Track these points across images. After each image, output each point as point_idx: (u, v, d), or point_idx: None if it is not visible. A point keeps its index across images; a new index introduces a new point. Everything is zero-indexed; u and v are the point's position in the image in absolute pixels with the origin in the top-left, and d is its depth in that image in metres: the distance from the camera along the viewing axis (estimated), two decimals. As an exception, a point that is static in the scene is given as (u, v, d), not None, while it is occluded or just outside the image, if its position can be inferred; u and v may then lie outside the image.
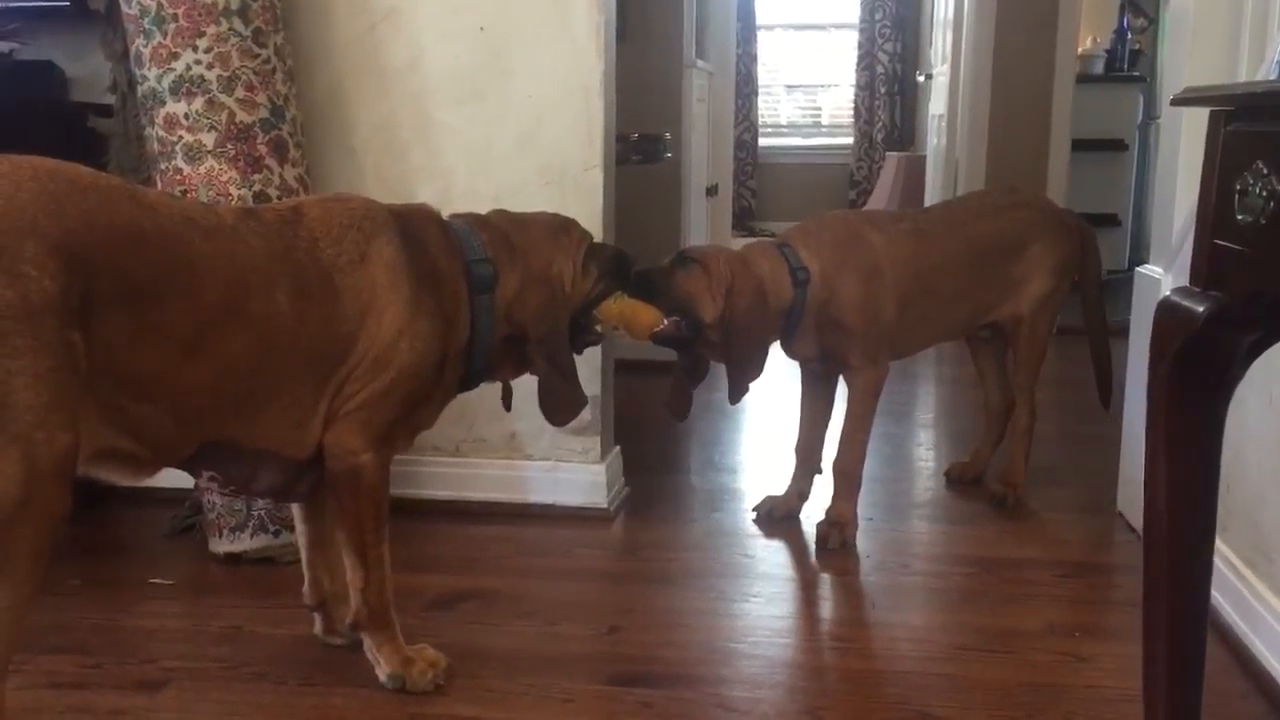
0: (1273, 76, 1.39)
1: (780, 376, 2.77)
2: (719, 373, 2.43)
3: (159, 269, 1.43)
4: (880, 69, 9.07)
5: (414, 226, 1.78)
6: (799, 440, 2.67)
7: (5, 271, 1.24)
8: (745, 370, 2.34)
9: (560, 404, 1.92)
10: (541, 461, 2.68)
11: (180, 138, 2.25)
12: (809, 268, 2.39)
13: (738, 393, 2.36)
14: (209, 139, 2.24)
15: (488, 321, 1.84)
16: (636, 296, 2.14)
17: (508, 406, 2.03)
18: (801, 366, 2.62)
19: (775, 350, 2.44)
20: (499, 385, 2.02)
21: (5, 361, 1.23)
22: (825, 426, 2.67)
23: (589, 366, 2.51)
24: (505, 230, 1.90)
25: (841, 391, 2.58)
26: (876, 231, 2.48)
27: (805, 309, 2.39)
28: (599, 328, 2.06)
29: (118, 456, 1.49)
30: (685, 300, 2.28)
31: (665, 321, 2.22)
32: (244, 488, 1.73)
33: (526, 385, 1.97)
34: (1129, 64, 6.94)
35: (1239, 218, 1.13)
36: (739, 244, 2.61)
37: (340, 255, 1.67)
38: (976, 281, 2.61)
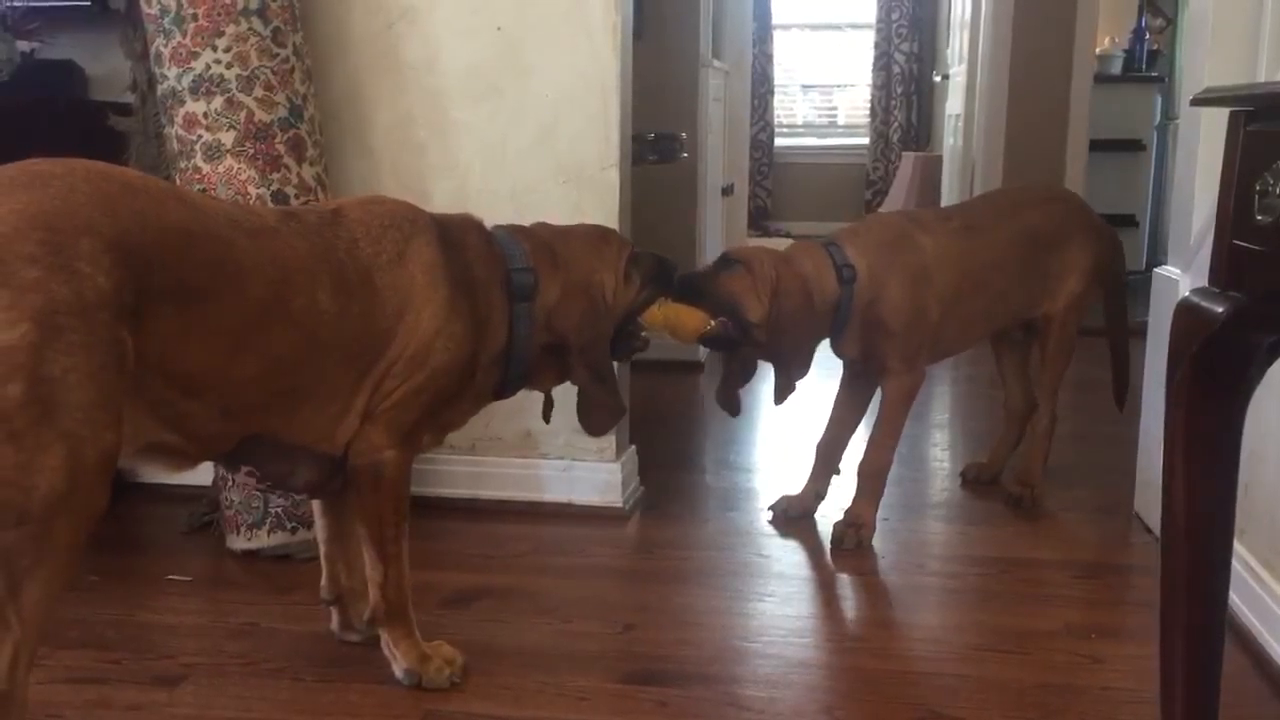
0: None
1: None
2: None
3: (207, 268, 1.45)
4: (897, 69, 9.04)
5: (454, 232, 1.81)
6: (823, 438, 2.66)
7: (62, 269, 1.25)
8: (791, 369, 2.34)
9: (599, 413, 1.94)
10: (557, 460, 2.69)
11: (199, 136, 2.26)
12: (855, 266, 2.38)
13: (784, 392, 2.36)
14: (228, 138, 2.25)
15: (526, 329, 1.85)
16: (682, 300, 2.15)
17: (547, 418, 2.04)
18: (845, 365, 2.61)
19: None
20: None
21: (61, 358, 1.25)
22: (853, 430, 2.66)
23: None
24: (547, 241, 1.92)
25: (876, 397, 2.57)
26: (925, 233, 2.47)
27: (852, 307, 2.39)
28: (645, 334, 2.07)
29: (163, 450, 1.52)
30: (731, 301, 2.28)
31: (712, 323, 2.23)
32: (281, 482, 1.76)
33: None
34: (1147, 64, 6.91)
35: (1259, 218, 1.13)
36: (753, 244, 2.61)
37: (380, 254, 1.69)
38: (1022, 274, 2.60)
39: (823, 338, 2.43)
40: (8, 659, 1.29)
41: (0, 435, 1.22)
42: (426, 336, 1.70)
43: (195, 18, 2.23)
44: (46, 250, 1.25)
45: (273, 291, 1.53)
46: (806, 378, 2.38)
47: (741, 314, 2.28)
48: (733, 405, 2.48)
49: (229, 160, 2.25)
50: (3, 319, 1.21)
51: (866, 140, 9.29)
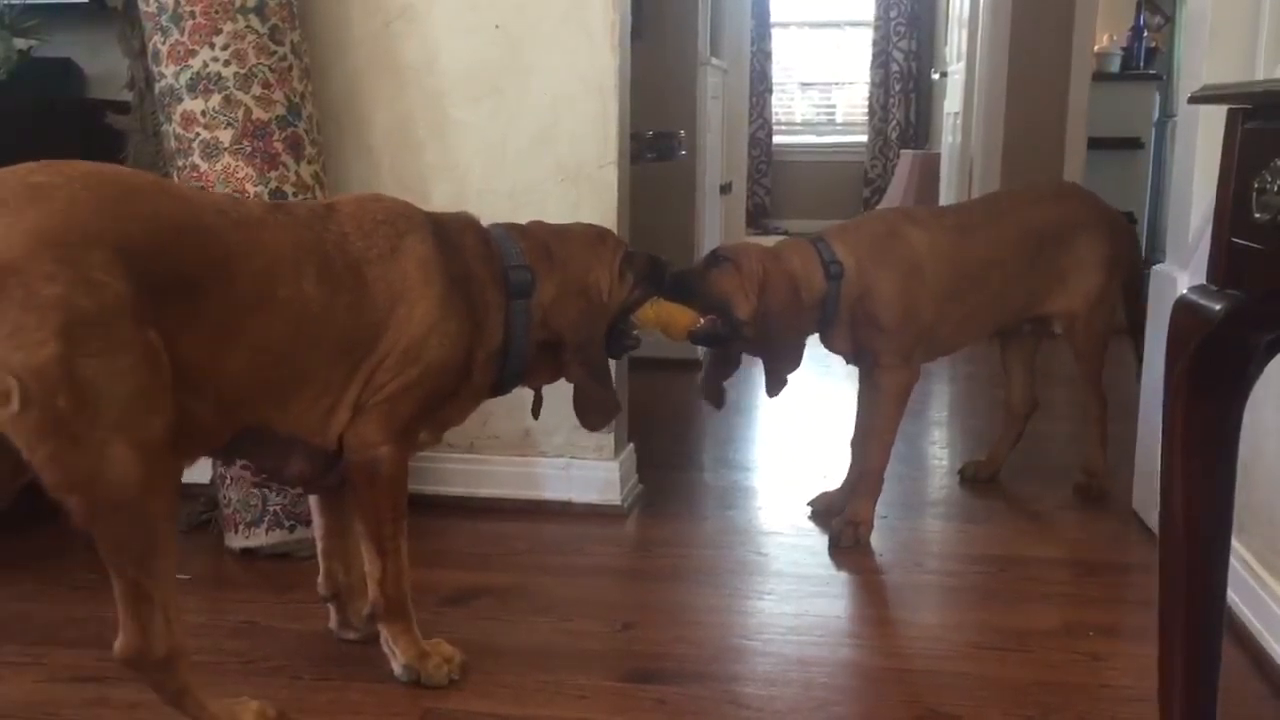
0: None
1: (795, 375, 2.76)
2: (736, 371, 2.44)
3: (199, 260, 1.48)
4: (895, 67, 9.04)
5: (451, 231, 1.82)
6: (854, 435, 2.67)
7: (81, 282, 1.30)
8: (782, 363, 2.35)
9: (595, 409, 1.95)
10: (555, 458, 2.69)
11: (197, 135, 2.26)
12: (843, 262, 2.39)
13: (776, 385, 2.37)
14: (226, 136, 2.25)
15: (523, 326, 1.86)
16: (672, 299, 2.16)
17: (536, 415, 2.05)
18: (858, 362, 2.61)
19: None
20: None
21: (95, 363, 1.31)
22: None
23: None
24: (544, 239, 1.94)
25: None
26: (918, 229, 2.48)
27: (840, 303, 2.39)
28: (637, 332, 2.07)
29: None
30: (720, 298, 2.29)
31: (702, 320, 2.24)
32: (275, 475, 1.78)
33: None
34: (1145, 62, 6.90)
35: (1257, 216, 1.13)
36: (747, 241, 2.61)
37: (370, 248, 1.70)
38: (1025, 271, 2.59)
39: (811, 333, 2.43)
40: (161, 624, 1.47)
41: (65, 443, 1.30)
42: (420, 332, 1.71)
43: (193, 15, 2.23)
44: (63, 266, 1.29)
45: (258, 281, 1.55)
46: (798, 372, 2.38)
47: (730, 311, 2.29)
48: (716, 397, 2.48)
49: (227, 158, 2.25)
50: (35, 339, 1.27)
51: (865, 138, 9.29)
